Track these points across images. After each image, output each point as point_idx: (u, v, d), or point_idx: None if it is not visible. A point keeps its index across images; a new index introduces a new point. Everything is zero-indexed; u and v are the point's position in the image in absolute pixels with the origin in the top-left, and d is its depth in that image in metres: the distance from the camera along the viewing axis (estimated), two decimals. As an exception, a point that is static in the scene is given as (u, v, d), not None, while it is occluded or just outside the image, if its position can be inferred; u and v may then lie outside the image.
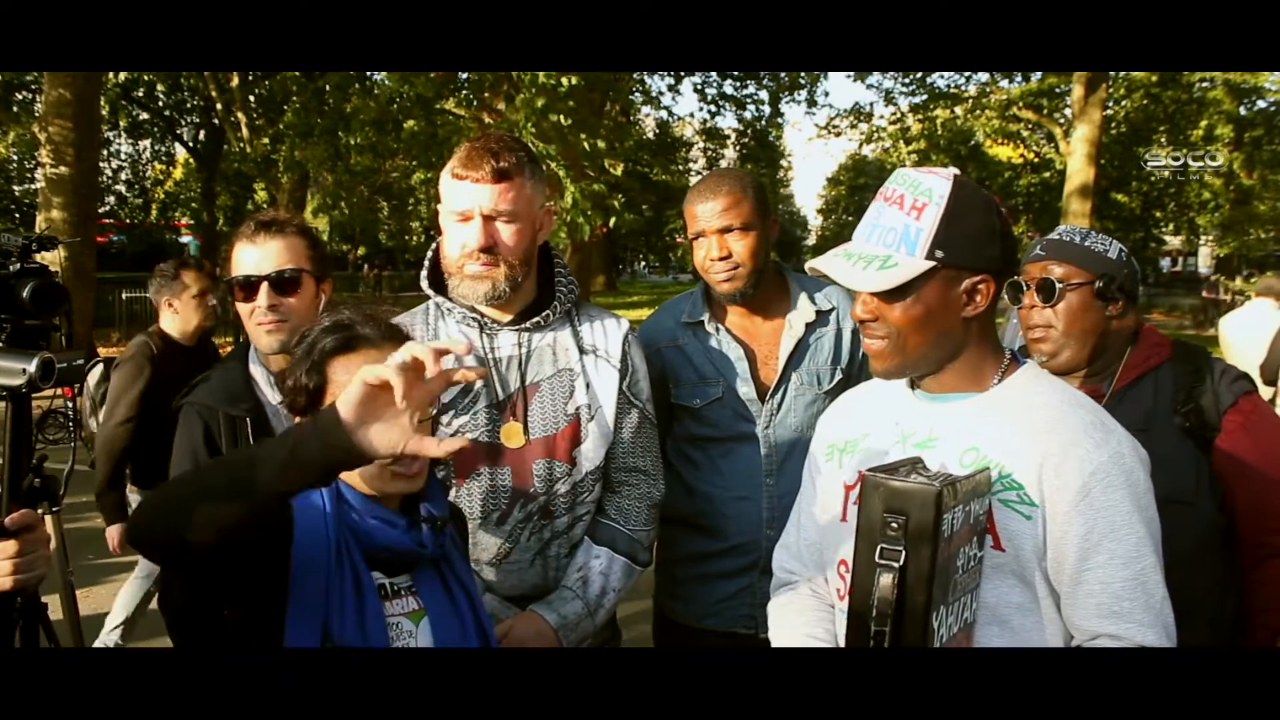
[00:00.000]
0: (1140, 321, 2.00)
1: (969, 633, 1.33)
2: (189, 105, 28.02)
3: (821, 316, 2.25)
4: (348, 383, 1.34)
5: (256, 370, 1.95)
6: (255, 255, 1.89)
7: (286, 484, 1.10)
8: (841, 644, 1.44)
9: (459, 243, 1.82)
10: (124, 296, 19.17)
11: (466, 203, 1.80)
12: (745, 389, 2.18)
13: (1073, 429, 1.35)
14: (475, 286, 1.83)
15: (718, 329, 2.22)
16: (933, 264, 1.36)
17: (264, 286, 1.87)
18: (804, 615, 1.55)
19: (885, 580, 1.19)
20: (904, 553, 1.19)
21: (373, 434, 1.09)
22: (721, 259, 2.13)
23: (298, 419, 1.44)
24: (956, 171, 1.42)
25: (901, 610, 1.19)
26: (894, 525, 1.19)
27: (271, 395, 1.90)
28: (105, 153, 28.52)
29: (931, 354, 1.41)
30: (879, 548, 1.20)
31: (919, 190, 1.39)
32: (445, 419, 1.83)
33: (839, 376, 2.22)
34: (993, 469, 1.35)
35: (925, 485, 1.19)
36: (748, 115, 24.83)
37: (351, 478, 1.40)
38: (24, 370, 1.41)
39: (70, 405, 1.67)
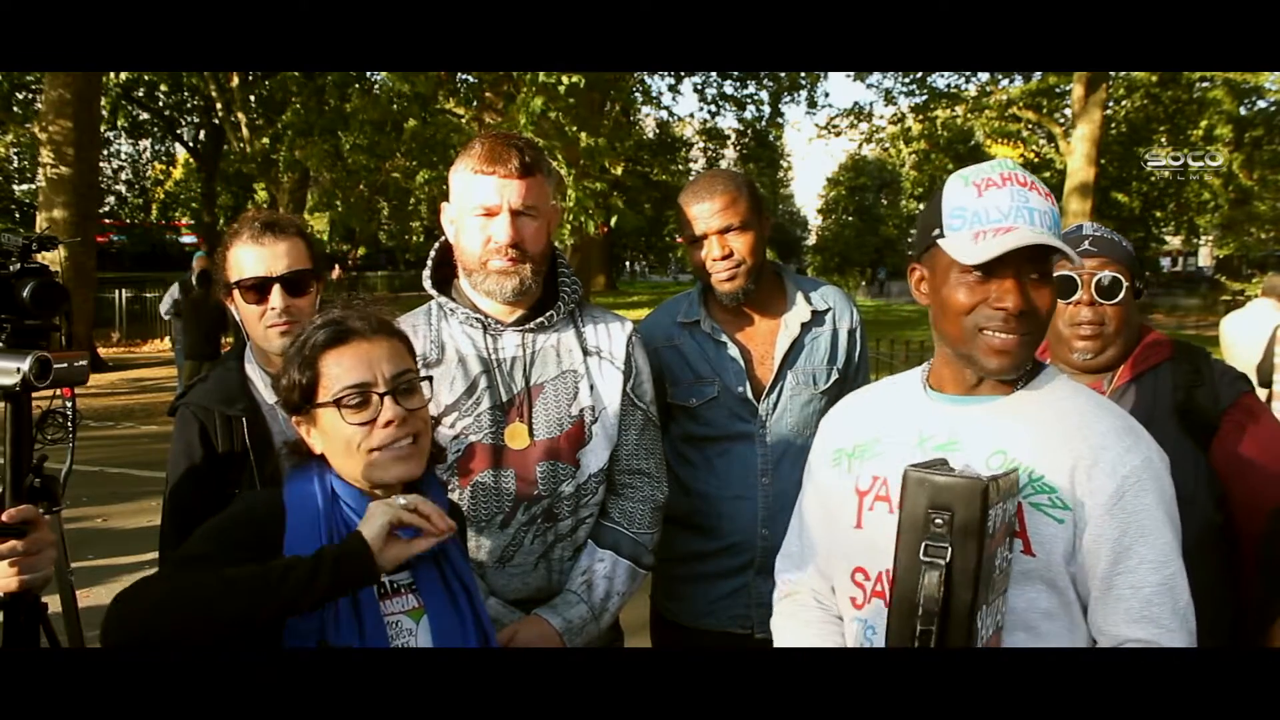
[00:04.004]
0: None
1: (999, 636, 1.31)
2: (189, 105, 28.03)
3: (817, 316, 2.25)
4: (338, 375, 1.36)
5: (252, 370, 1.94)
6: (264, 256, 1.87)
7: (311, 605, 1.24)
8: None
9: (482, 239, 1.81)
10: (124, 296, 19.20)
11: (494, 198, 1.79)
12: (741, 389, 2.17)
13: (1104, 433, 1.34)
14: (503, 282, 1.82)
15: (714, 329, 2.22)
16: None
17: (277, 288, 1.86)
18: (811, 628, 1.52)
19: (931, 578, 1.17)
20: (950, 549, 1.17)
21: (389, 552, 1.29)
22: (724, 258, 2.13)
23: (294, 418, 1.44)
24: None
25: (947, 609, 1.17)
26: (939, 521, 1.17)
27: (267, 395, 1.90)
28: (105, 153, 28.53)
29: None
30: (923, 545, 1.18)
31: (1034, 178, 1.39)
32: (449, 420, 1.82)
33: (835, 376, 2.22)
34: (1024, 472, 1.33)
35: (973, 480, 1.17)
36: (748, 115, 24.85)
37: (347, 473, 1.40)
38: (18, 369, 1.40)
39: (70, 405, 1.65)
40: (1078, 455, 1.32)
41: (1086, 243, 1.95)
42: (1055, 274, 1.92)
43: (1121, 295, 1.89)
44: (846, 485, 1.49)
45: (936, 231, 1.38)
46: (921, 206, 1.57)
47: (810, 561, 1.58)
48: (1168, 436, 1.82)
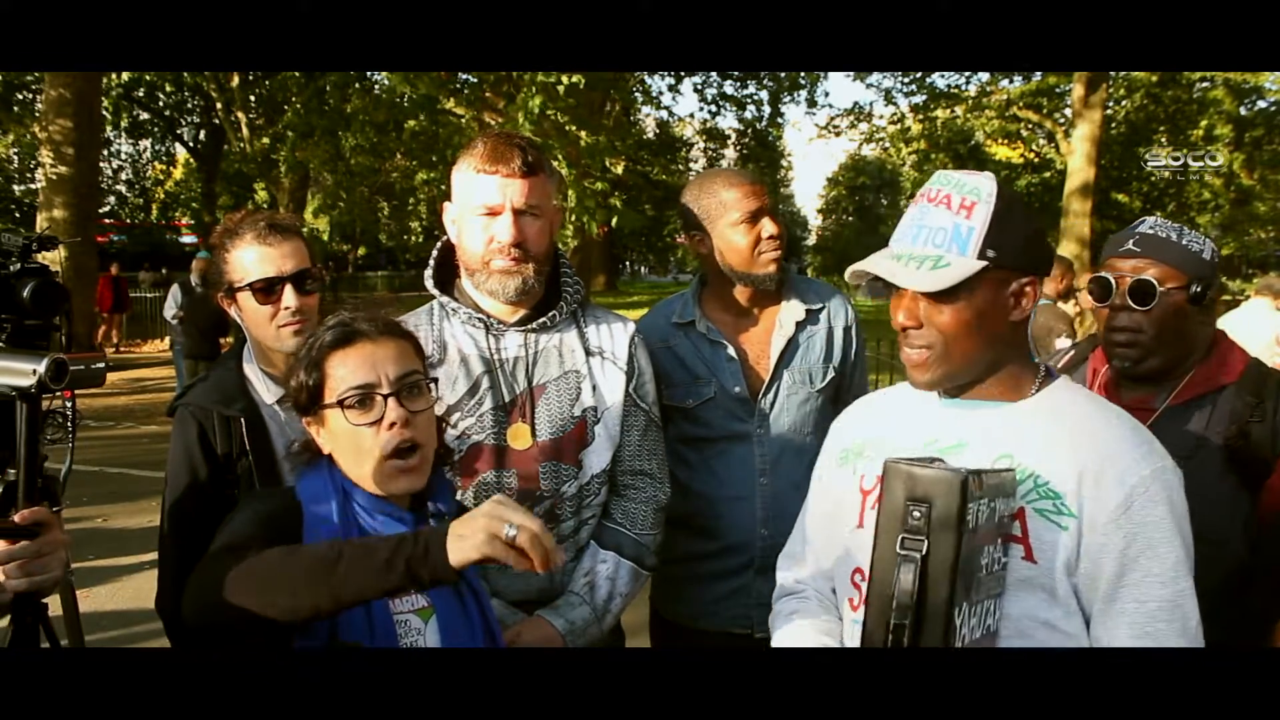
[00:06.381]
0: (1215, 331, 1.86)
1: (992, 642, 1.29)
2: (189, 105, 28.04)
3: (812, 315, 2.24)
4: (343, 376, 1.36)
5: (251, 371, 1.93)
6: (272, 257, 1.86)
7: (382, 594, 1.19)
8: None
9: (484, 238, 1.80)
10: (124, 296, 19.16)
11: (496, 197, 1.78)
12: (737, 388, 2.17)
13: (1114, 440, 1.31)
14: (506, 282, 1.82)
15: (709, 329, 2.22)
16: (985, 264, 1.31)
17: (289, 288, 1.86)
18: (816, 626, 1.50)
19: (906, 571, 1.16)
20: (926, 542, 1.16)
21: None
22: (777, 235, 2.16)
23: (303, 419, 1.45)
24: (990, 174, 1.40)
25: (923, 603, 1.16)
26: (916, 514, 1.16)
27: (266, 396, 1.89)
28: (105, 153, 28.52)
29: (978, 361, 1.37)
30: (900, 538, 1.17)
31: (965, 189, 1.34)
32: (451, 420, 1.82)
33: (831, 375, 2.22)
34: (1029, 477, 1.31)
35: (952, 472, 1.16)
36: (748, 115, 24.83)
37: (354, 475, 1.40)
38: (34, 371, 1.39)
39: (69, 406, 1.65)
40: (1085, 462, 1.29)
41: (1131, 241, 1.83)
42: (1096, 275, 1.86)
43: (1156, 301, 1.74)
44: (851, 485, 1.49)
45: None
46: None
47: (812, 560, 1.58)
48: (1209, 473, 1.69)
